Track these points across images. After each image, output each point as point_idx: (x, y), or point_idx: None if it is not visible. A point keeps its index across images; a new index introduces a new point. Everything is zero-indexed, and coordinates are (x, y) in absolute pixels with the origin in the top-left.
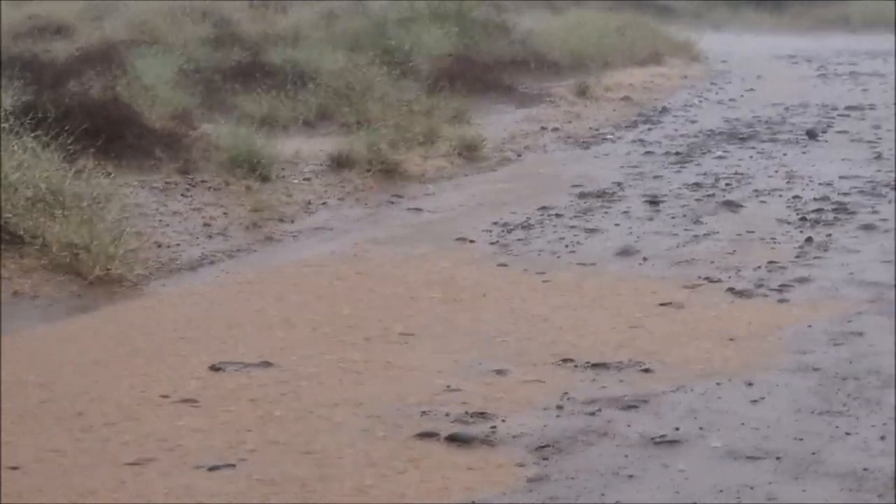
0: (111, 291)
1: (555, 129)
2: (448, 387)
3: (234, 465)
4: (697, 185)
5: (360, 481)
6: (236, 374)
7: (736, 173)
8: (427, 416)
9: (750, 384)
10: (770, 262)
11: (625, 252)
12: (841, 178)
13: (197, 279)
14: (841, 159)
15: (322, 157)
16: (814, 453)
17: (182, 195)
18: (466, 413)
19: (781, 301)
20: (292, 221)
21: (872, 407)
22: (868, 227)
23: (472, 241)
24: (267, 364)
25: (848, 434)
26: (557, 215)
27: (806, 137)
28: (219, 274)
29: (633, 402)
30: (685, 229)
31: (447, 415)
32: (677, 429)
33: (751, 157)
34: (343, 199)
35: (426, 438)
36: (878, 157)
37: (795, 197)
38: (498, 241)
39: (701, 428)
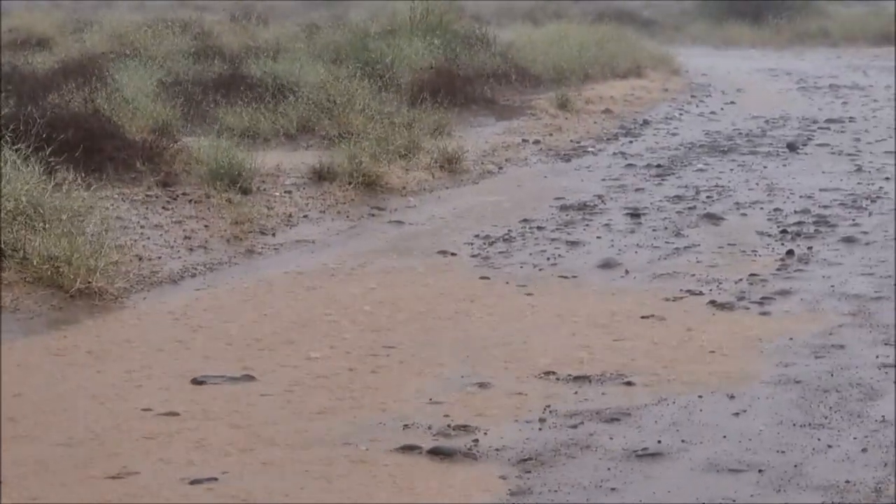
0: (92, 304)
1: (536, 142)
2: (430, 399)
3: (216, 479)
4: (678, 197)
5: (342, 495)
6: (218, 387)
7: (717, 186)
8: (409, 428)
9: (732, 397)
10: (751, 275)
11: (606, 265)
12: (821, 190)
13: (178, 292)
14: (821, 172)
15: (303, 170)
16: (796, 466)
17: (163, 208)
18: (449, 426)
19: (763, 314)
20: (273, 234)
21: (854, 419)
22: (849, 240)
23: (453, 254)
24: (249, 377)
25: (830, 446)
26: (539, 228)
27: (786, 150)
28: (200, 287)
29: (616, 414)
30: (666, 242)
31: (429, 428)
32: (659, 441)
33: (731, 169)
34: (324, 212)
35: (408, 451)
36: (859, 169)
37: (776, 210)
38: (479, 254)
39: (683, 441)
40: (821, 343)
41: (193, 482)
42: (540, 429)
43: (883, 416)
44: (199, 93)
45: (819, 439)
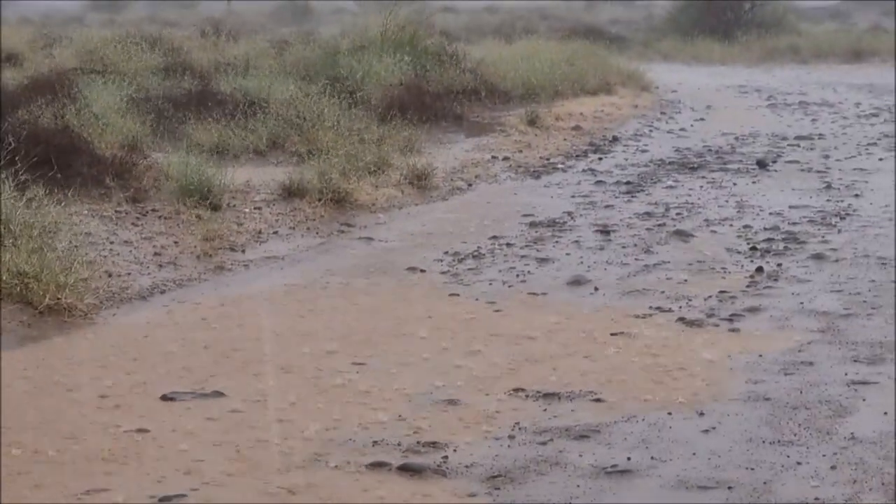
0: (61, 321)
1: (505, 159)
2: (400, 416)
3: (185, 496)
4: (648, 214)
5: None
6: (188, 403)
7: (686, 203)
8: (379, 445)
9: (701, 414)
10: (721, 292)
11: (576, 282)
12: (791, 207)
13: (148, 308)
14: (791, 189)
15: (273, 186)
16: (765, 483)
17: (133, 224)
18: (418, 442)
19: (732, 330)
20: (243, 251)
21: (823, 436)
22: (818, 257)
23: (422, 271)
24: (218, 394)
25: (799, 463)
26: (508, 245)
27: (756, 167)
28: (169, 303)
29: (585, 431)
30: (636, 259)
31: (399, 444)
32: (629, 458)
33: (701, 186)
34: (294, 229)
35: (378, 468)
36: (828, 186)
37: (746, 226)
38: (449, 271)
39: (653, 458)
40: (790, 360)
41: (163, 499)
42: (509, 445)
43: (852, 434)
44: (168, 109)
45: (788, 456)
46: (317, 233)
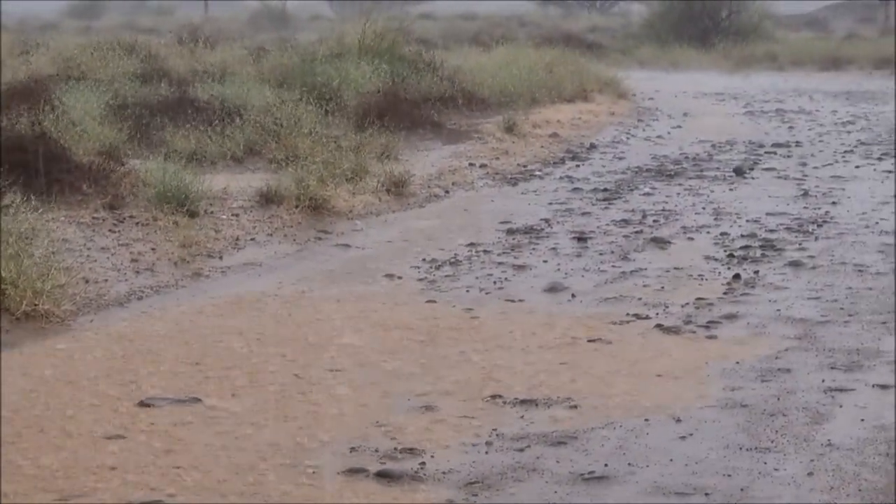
0: (38, 327)
1: (483, 166)
2: (377, 423)
3: (161, 502)
4: (625, 221)
5: None
6: (164, 409)
7: (664, 210)
8: (356, 451)
9: (678, 420)
10: (698, 299)
11: (553, 288)
12: (768, 214)
13: (125, 315)
14: (768, 196)
15: (250, 193)
16: (742, 489)
17: (110, 230)
18: (395, 449)
19: (709, 337)
20: (221, 257)
21: (800, 443)
22: (795, 264)
23: (400, 278)
24: (195, 400)
25: (776, 470)
26: (485, 252)
27: (733, 174)
28: (147, 309)
29: (562, 438)
30: (613, 266)
31: (376, 451)
32: (606, 465)
33: (678, 193)
34: (271, 235)
35: (355, 474)
36: (805, 194)
37: (723, 234)
38: (426, 278)
39: (630, 464)
40: (767, 367)
41: None
42: (486, 452)
43: (829, 440)
44: (146, 115)
45: (765, 463)
46: (294, 239)
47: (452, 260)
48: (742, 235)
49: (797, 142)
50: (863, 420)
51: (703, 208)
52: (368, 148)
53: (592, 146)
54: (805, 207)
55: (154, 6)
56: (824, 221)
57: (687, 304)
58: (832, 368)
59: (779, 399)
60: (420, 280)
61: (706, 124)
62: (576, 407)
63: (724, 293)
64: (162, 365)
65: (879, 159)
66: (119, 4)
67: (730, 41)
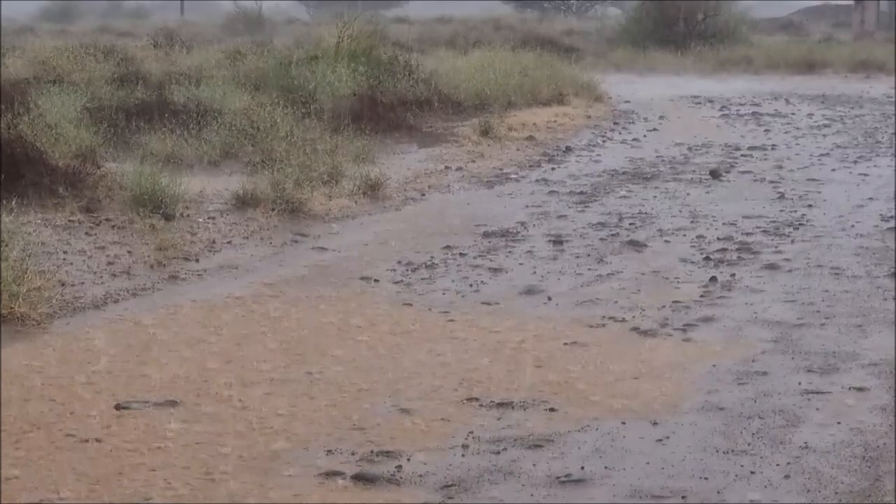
0: (14, 330)
1: (458, 169)
2: (354, 425)
3: None
4: (601, 224)
5: None
6: (142, 412)
7: (640, 213)
8: (332, 454)
9: (655, 423)
10: (674, 302)
11: (529, 291)
12: (744, 217)
13: (101, 318)
14: (744, 199)
15: (227, 196)
16: (719, 492)
17: (86, 233)
18: (372, 452)
19: (686, 340)
20: (197, 260)
21: (777, 446)
22: (771, 267)
23: (376, 281)
24: (172, 403)
25: (752, 473)
26: (461, 255)
27: (709, 177)
28: (123, 312)
29: (539, 441)
30: (589, 269)
31: (353, 454)
32: (583, 468)
33: (655, 196)
34: (248, 238)
35: (331, 477)
36: (781, 196)
37: (699, 236)
38: (402, 281)
39: (606, 467)
40: (744, 370)
41: None
42: (463, 455)
43: (805, 443)
44: (122, 119)
45: (742, 466)
46: (270, 242)
47: (428, 263)
48: (718, 238)
49: (773, 145)
50: (839, 423)
51: (680, 211)
52: (345, 151)
53: (568, 149)
54: (781, 210)
55: (130, 9)
56: (800, 224)
57: (663, 306)
58: (809, 371)
59: (755, 402)
60: (396, 283)
61: (682, 127)
62: (552, 410)
63: (701, 296)
64: (137, 367)
65: (855, 162)
66: (94, 7)
67: (706, 45)
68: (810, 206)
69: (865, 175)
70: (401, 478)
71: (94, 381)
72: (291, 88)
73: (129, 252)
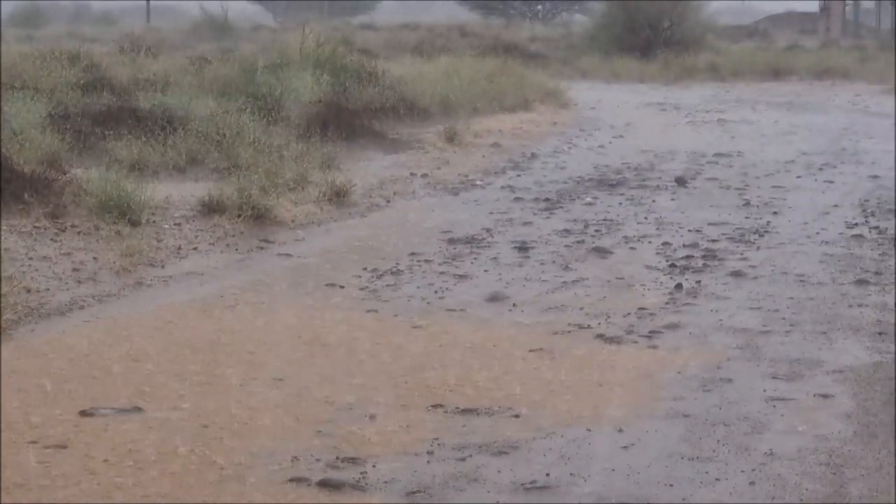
0: None
1: (424, 176)
2: (319, 432)
3: None
4: (567, 231)
5: None
6: (107, 418)
7: (605, 220)
8: (298, 461)
9: (620, 430)
10: (640, 309)
11: (494, 298)
12: (710, 224)
13: (66, 324)
14: (710, 206)
15: (192, 203)
16: (684, 499)
17: (51, 240)
18: (337, 458)
19: (651, 347)
20: (163, 266)
21: (741, 453)
22: (737, 274)
23: (341, 287)
24: (137, 409)
25: (717, 479)
26: (427, 261)
27: (675, 184)
28: (88, 319)
29: (504, 447)
30: (554, 276)
31: (318, 460)
32: (548, 475)
33: (620, 203)
34: (214, 245)
35: (297, 483)
36: (747, 203)
37: (665, 243)
38: (367, 287)
39: (571, 474)
40: (709, 377)
41: None
42: (428, 461)
43: (770, 450)
44: (88, 125)
45: (707, 472)
46: (236, 249)
47: (394, 269)
48: (684, 245)
49: (739, 152)
50: (804, 430)
51: (645, 218)
52: (311, 158)
53: (534, 156)
54: (747, 217)
55: (97, 15)
56: (766, 231)
57: (629, 313)
58: (774, 378)
59: (720, 409)
60: (362, 289)
61: (648, 134)
62: (517, 416)
63: (666, 303)
64: (103, 373)
65: (820, 169)
66: (61, 13)
67: (671, 52)
68: (776, 213)
69: (831, 182)
70: (366, 484)
71: (60, 387)
72: (258, 95)
73: (94, 258)
